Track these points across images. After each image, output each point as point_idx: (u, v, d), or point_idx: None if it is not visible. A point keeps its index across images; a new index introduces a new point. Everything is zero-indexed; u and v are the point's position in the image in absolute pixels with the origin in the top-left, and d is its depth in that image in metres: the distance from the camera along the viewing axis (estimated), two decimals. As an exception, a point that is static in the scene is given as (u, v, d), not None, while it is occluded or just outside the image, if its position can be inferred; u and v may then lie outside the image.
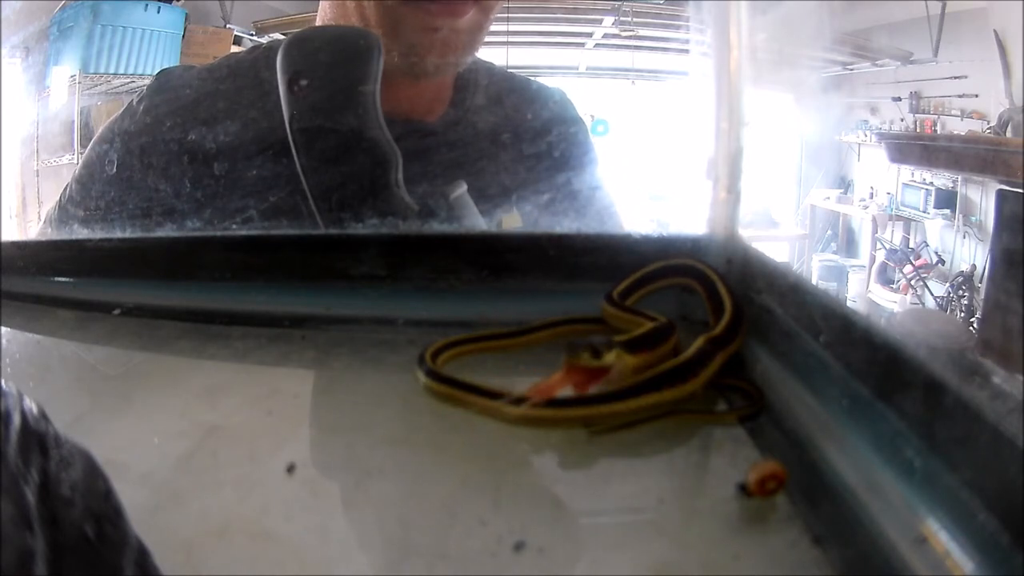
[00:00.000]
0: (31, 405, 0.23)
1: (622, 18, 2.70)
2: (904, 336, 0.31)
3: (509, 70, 0.74)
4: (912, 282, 3.13)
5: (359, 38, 0.57)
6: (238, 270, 0.51)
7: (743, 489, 0.30)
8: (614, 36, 2.84)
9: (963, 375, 0.27)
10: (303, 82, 0.56)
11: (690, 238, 0.49)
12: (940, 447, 0.27)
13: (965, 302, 2.86)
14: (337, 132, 0.56)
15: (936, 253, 3.13)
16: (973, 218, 2.97)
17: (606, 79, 3.28)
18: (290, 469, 0.32)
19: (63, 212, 0.64)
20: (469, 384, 0.37)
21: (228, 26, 2.72)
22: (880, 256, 3.36)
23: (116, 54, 2.52)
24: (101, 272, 0.53)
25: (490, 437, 0.35)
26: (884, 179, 3.43)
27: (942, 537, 0.25)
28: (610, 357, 0.36)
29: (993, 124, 2.76)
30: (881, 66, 3.16)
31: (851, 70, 3.24)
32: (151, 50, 2.57)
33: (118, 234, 0.56)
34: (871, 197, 3.52)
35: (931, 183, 3.15)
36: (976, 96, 2.90)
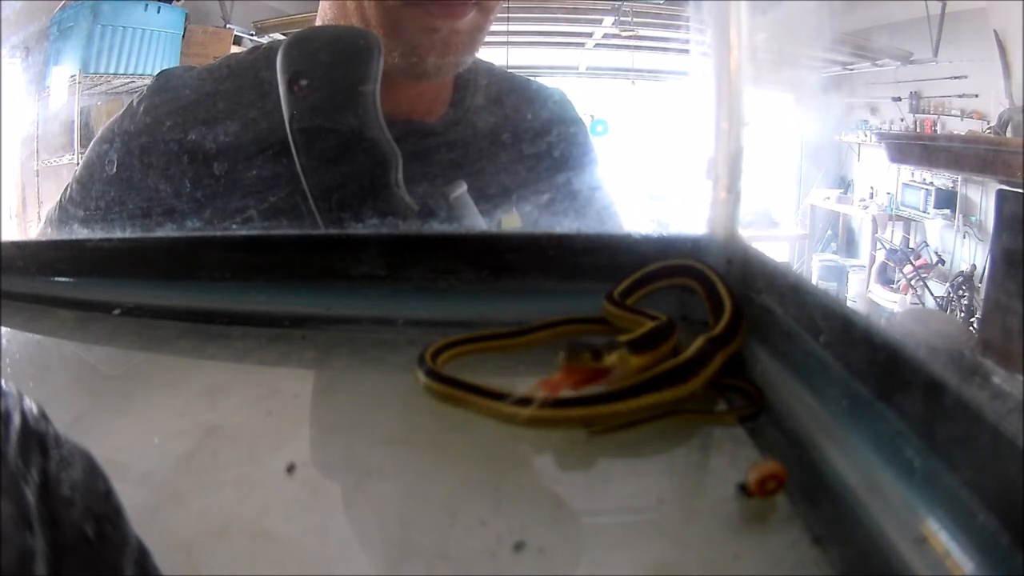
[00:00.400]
0: (31, 405, 0.23)
1: (622, 18, 2.70)
2: (904, 336, 0.31)
3: (509, 70, 0.74)
4: (912, 282, 3.13)
5: (359, 38, 0.57)
6: (238, 270, 0.51)
7: (743, 489, 0.30)
8: (614, 36, 2.84)
9: (963, 375, 0.27)
10: (303, 82, 0.56)
11: (690, 238, 0.49)
12: (940, 447, 0.27)
13: (965, 302, 2.86)
14: (337, 132, 0.56)
15: (936, 253, 3.13)
16: (973, 218, 2.97)
17: (606, 79, 3.28)
18: (290, 469, 0.32)
19: (63, 212, 0.64)
20: (469, 384, 0.37)
21: (228, 26, 2.72)
22: (880, 256, 3.36)
23: (116, 54, 2.52)
24: (101, 272, 0.53)
25: (490, 437, 0.35)
26: (884, 179, 3.43)
27: (942, 537, 0.25)
28: (612, 358, 0.36)
29: (993, 124, 2.76)
30: (881, 66, 3.16)
31: (851, 70, 3.24)
32: (151, 50, 2.57)
33: (118, 234, 0.56)
34: (871, 197, 3.52)
35: (931, 183, 3.15)
36: (976, 96, 2.90)
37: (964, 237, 3.00)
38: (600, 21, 2.83)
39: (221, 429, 0.36)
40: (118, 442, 0.35)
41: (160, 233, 0.58)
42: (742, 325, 0.41)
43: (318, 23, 0.66)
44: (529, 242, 0.50)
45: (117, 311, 0.51)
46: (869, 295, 3.27)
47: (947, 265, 3.08)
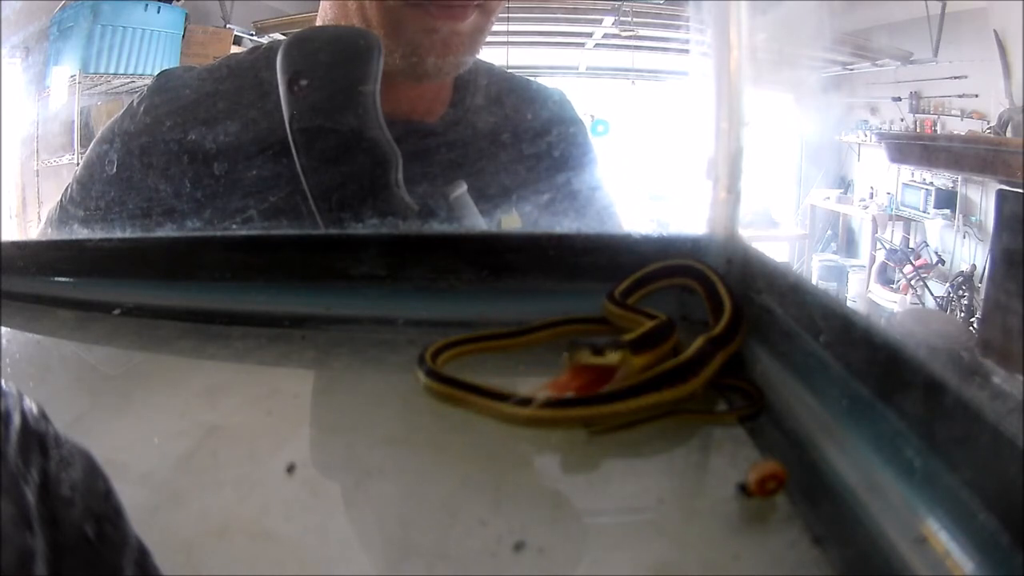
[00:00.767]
0: (31, 405, 0.23)
1: (622, 18, 2.70)
2: (904, 336, 0.31)
3: (509, 71, 0.74)
4: (912, 282, 3.13)
5: (359, 38, 0.57)
6: (238, 270, 0.51)
7: (743, 489, 0.30)
8: (614, 36, 2.84)
9: (963, 375, 0.27)
10: (303, 82, 0.56)
11: (690, 238, 0.49)
12: (940, 447, 0.27)
13: (965, 302, 2.86)
14: (337, 132, 0.56)
15: (936, 253, 3.13)
16: (973, 218, 2.97)
17: (606, 79, 3.28)
18: (290, 469, 0.32)
19: (63, 212, 0.64)
20: (469, 384, 0.37)
21: (228, 26, 2.72)
22: (880, 256, 3.36)
23: (116, 54, 2.52)
24: (101, 272, 0.53)
25: (490, 437, 0.35)
26: (884, 179, 3.43)
27: (942, 537, 0.25)
28: (615, 357, 0.36)
29: (993, 124, 2.76)
30: (881, 66, 3.16)
31: (851, 70, 3.24)
32: (151, 50, 2.57)
33: (118, 234, 0.56)
34: (871, 197, 3.52)
35: (931, 183, 3.15)
36: (976, 96, 2.90)
37: (964, 237, 3.00)
38: (600, 21, 2.83)
39: (221, 429, 0.36)
40: (118, 442, 0.35)
41: (160, 233, 0.58)
42: (742, 325, 0.42)
43: (318, 23, 0.66)
44: (529, 242, 0.50)
45: (117, 311, 0.51)
46: (869, 295, 3.27)
47: (947, 265, 3.08)
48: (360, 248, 0.50)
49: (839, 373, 0.34)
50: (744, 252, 0.47)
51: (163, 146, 0.62)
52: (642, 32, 2.79)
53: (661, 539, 0.29)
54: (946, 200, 3.08)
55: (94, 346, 0.48)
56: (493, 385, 0.37)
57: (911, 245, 3.29)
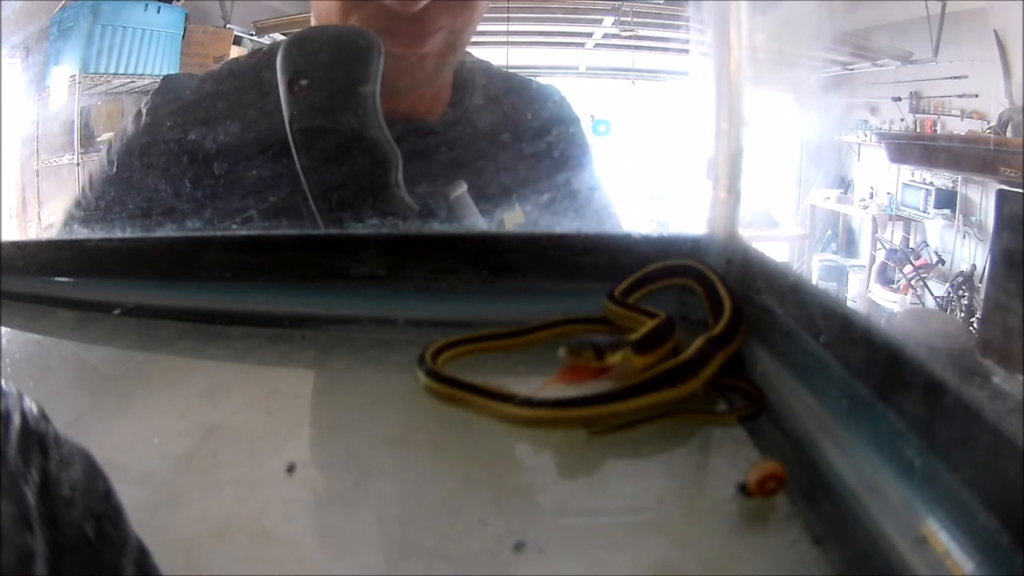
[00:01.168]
0: (31, 405, 0.23)
1: (622, 18, 2.70)
2: (904, 336, 0.31)
3: (508, 70, 0.74)
4: (912, 282, 3.13)
5: (359, 38, 0.57)
6: (238, 270, 0.51)
7: (743, 489, 0.30)
8: (614, 36, 2.84)
9: (963, 375, 0.27)
10: (303, 82, 0.56)
11: (690, 238, 0.49)
12: (940, 447, 0.27)
13: (965, 302, 2.86)
14: (337, 132, 0.56)
15: (936, 253, 3.13)
16: (973, 218, 2.97)
17: (606, 79, 3.28)
18: (290, 469, 0.32)
19: (69, 218, 0.64)
20: (469, 384, 0.37)
21: (228, 26, 2.72)
22: (880, 256, 3.36)
23: (116, 54, 2.52)
24: (101, 272, 0.53)
25: (490, 437, 0.35)
26: (884, 179, 3.42)
27: (942, 537, 0.25)
28: (615, 357, 0.36)
29: (993, 124, 2.76)
30: (881, 66, 3.16)
31: (851, 70, 3.24)
32: (151, 50, 2.57)
33: (118, 234, 0.56)
34: (871, 197, 3.52)
35: (931, 183, 3.15)
36: (976, 96, 2.90)
37: (964, 237, 3.00)
38: (600, 21, 2.83)
39: (221, 429, 0.36)
40: (118, 442, 0.35)
41: (160, 233, 0.58)
42: (742, 325, 0.42)
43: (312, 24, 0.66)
44: (529, 242, 0.50)
45: (117, 311, 0.51)
46: (869, 295, 3.27)
47: (947, 265, 3.07)
48: (360, 248, 0.50)
49: (839, 373, 0.34)
50: (744, 252, 0.47)
51: (163, 146, 0.62)
52: (642, 32, 2.79)
53: (661, 539, 0.29)
54: (946, 200, 3.08)
55: (94, 346, 0.48)
56: (493, 385, 0.37)
57: (911, 245, 3.29)
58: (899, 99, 3.22)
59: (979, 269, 2.85)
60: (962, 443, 0.26)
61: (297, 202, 0.57)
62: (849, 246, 3.68)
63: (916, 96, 3.18)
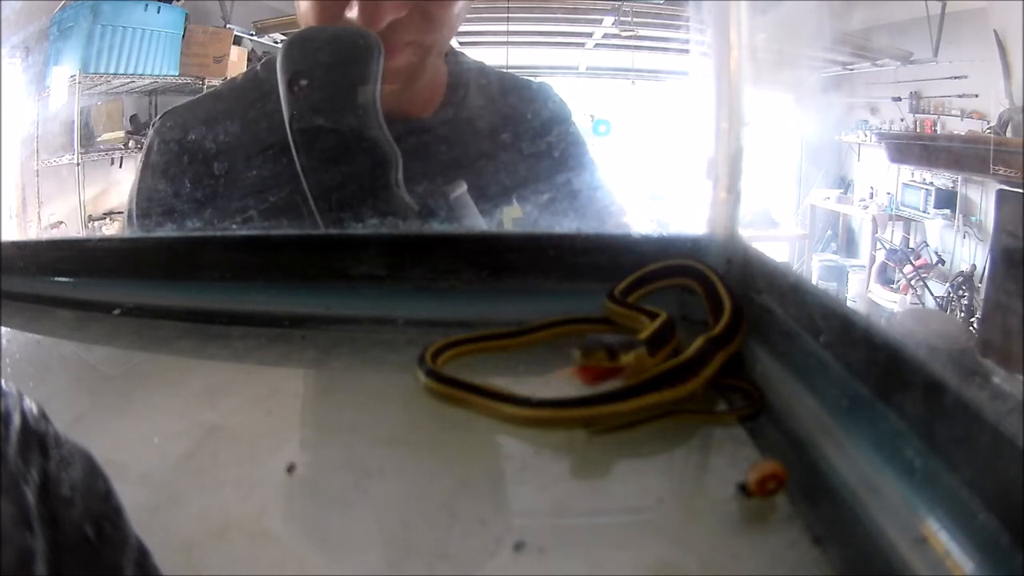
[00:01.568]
0: (31, 405, 0.23)
1: (622, 18, 2.70)
2: (904, 336, 0.31)
3: (500, 70, 0.75)
4: (912, 282, 3.13)
5: (359, 38, 0.57)
6: (238, 270, 0.51)
7: (743, 489, 0.30)
8: (614, 36, 2.84)
9: (963, 375, 0.27)
10: (303, 82, 0.56)
11: (690, 238, 0.49)
12: (940, 447, 0.27)
13: (965, 302, 2.86)
14: (337, 132, 0.56)
15: (936, 253, 3.13)
16: (973, 218, 2.97)
17: (606, 79, 3.28)
18: (290, 469, 0.32)
19: (130, 220, 0.65)
20: (469, 384, 0.37)
21: (228, 26, 2.72)
22: (880, 256, 3.36)
23: (116, 54, 2.52)
24: (101, 272, 0.53)
25: (490, 437, 0.35)
26: (884, 179, 3.42)
27: (942, 537, 0.25)
28: (628, 358, 0.36)
29: (993, 124, 2.76)
30: (881, 66, 3.16)
31: (851, 70, 3.24)
32: (151, 50, 2.57)
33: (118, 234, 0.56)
34: (871, 197, 3.52)
35: (931, 183, 3.15)
36: (976, 96, 2.90)
37: (964, 237, 3.00)
38: (600, 21, 2.83)
39: (221, 429, 0.36)
40: (118, 442, 0.35)
41: (160, 233, 0.58)
42: (742, 325, 0.42)
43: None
44: (529, 242, 0.50)
45: (117, 311, 0.51)
46: (869, 295, 3.27)
47: (947, 265, 3.07)
48: (360, 248, 0.50)
49: (839, 373, 0.34)
50: (744, 252, 0.47)
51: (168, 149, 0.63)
52: (642, 32, 2.79)
53: (661, 539, 0.29)
54: (946, 200, 3.08)
55: (94, 346, 0.48)
56: (493, 385, 0.37)
57: (911, 245, 3.29)
58: (899, 99, 3.22)
59: (979, 269, 2.86)
60: (962, 443, 0.26)
61: (297, 202, 0.58)
62: (849, 246, 3.68)
63: (916, 96, 3.18)
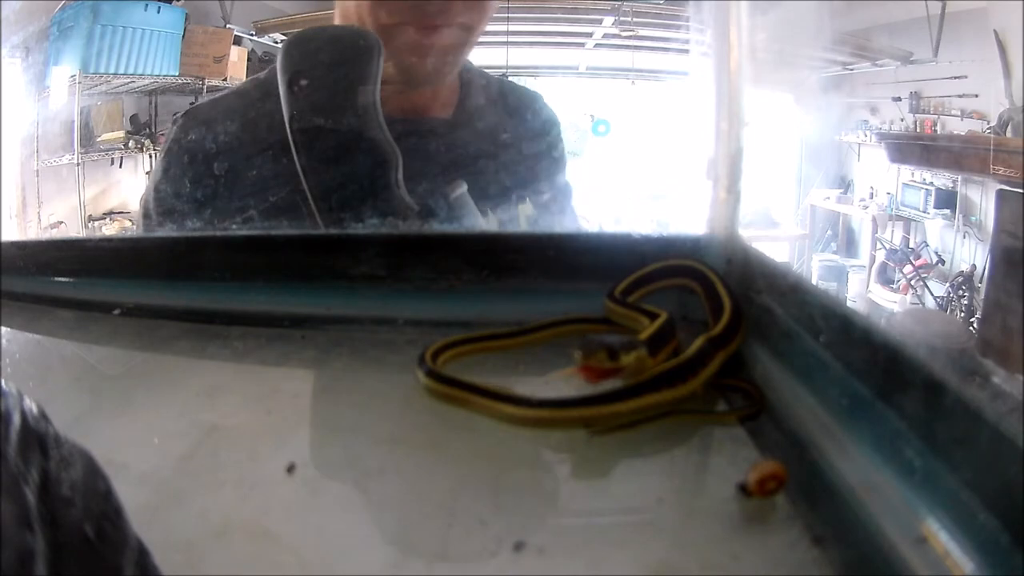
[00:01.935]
0: (31, 405, 0.23)
1: (622, 18, 2.70)
2: (904, 336, 0.31)
3: (497, 76, 0.76)
4: (912, 282, 3.13)
5: (359, 38, 0.58)
6: (238, 270, 0.51)
7: (743, 489, 0.30)
8: (614, 36, 2.84)
9: (963, 375, 0.27)
10: (303, 82, 0.56)
11: (690, 238, 0.49)
12: (940, 447, 0.27)
13: (965, 302, 2.86)
14: (337, 132, 0.56)
15: (936, 253, 3.13)
16: (973, 218, 2.97)
17: (606, 79, 3.28)
18: (290, 469, 0.32)
19: (148, 220, 0.66)
20: (469, 384, 0.37)
21: (228, 26, 2.72)
22: (880, 256, 3.36)
23: (116, 54, 2.52)
24: (101, 272, 0.53)
25: (490, 437, 0.35)
26: (884, 179, 3.42)
27: (942, 537, 0.25)
28: (629, 358, 0.36)
29: (993, 124, 2.76)
30: (881, 66, 3.16)
31: (851, 70, 3.24)
32: (151, 50, 2.57)
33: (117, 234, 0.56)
34: (871, 197, 3.52)
35: (931, 183, 3.15)
36: (976, 96, 2.90)
37: (964, 237, 3.00)
38: (600, 21, 2.83)
39: (221, 429, 0.36)
40: (118, 442, 0.35)
41: (160, 233, 0.58)
42: (742, 325, 0.42)
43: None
44: (529, 242, 0.50)
45: (117, 311, 0.51)
46: (869, 295, 3.27)
47: (947, 265, 3.07)
48: (360, 248, 0.50)
49: (839, 373, 0.34)
50: (744, 252, 0.47)
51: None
52: (642, 32, 2.79)
53: (661, 539, 0.29)
54: (946, 200, 3.08)
55: (94, 346, 0.48)
56: (493, 385, 0.37)
57: (911, 245, 3.29)
58: (899, 99, 3.22)
59: (979, 269, 2.85)
60: (962, 443, 0.26)
61: (297, 202, 0.58)
62: (849, 246, 3.68)
63: (916, 96, 3.18)
